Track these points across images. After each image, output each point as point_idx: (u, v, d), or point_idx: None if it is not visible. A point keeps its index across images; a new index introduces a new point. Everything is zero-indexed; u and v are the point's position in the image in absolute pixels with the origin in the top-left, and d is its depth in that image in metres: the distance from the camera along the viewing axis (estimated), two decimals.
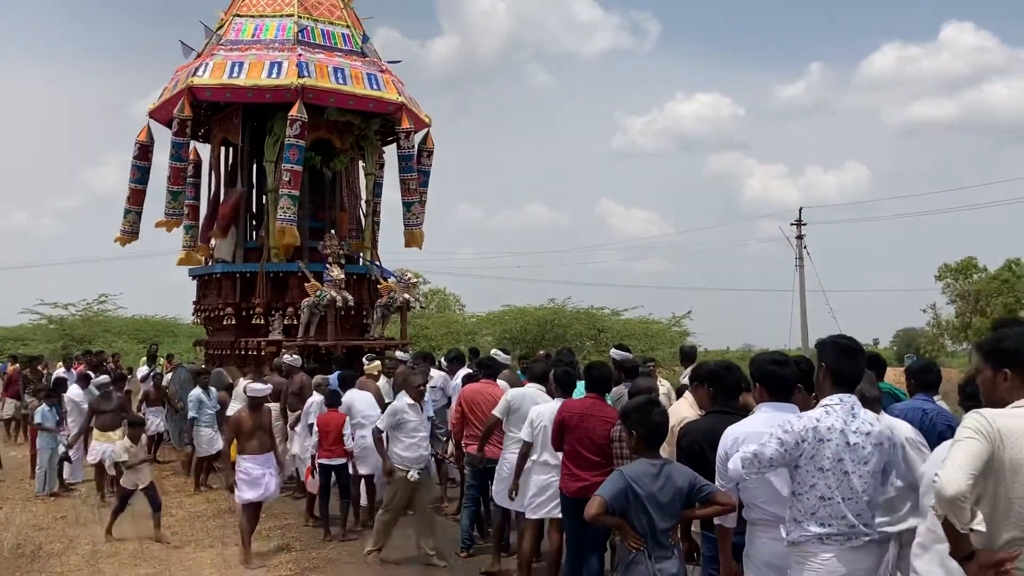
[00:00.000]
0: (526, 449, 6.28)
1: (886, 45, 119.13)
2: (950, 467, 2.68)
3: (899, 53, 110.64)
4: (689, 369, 7.92)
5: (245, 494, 7.65)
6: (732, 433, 3.96)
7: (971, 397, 3.74)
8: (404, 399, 7.24)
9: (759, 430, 3.74)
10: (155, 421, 12.67)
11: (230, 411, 11.31)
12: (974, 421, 2.76)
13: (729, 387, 4.51)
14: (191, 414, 10.95)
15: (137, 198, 15.41)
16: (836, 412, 3.50)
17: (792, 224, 34.38)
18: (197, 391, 11.20)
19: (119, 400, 10.65)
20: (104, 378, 11.04)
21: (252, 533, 7.73)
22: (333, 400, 8.62)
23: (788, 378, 3.96)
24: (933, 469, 3.56)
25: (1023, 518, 2.70)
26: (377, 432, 7.28)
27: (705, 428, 4.45)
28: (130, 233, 15.47)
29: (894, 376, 11.49)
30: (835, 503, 3.45)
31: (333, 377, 9.81)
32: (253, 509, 7.77)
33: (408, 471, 7.15)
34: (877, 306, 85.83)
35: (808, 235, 34.17)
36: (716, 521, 4.02)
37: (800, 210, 34.53)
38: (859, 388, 3.75)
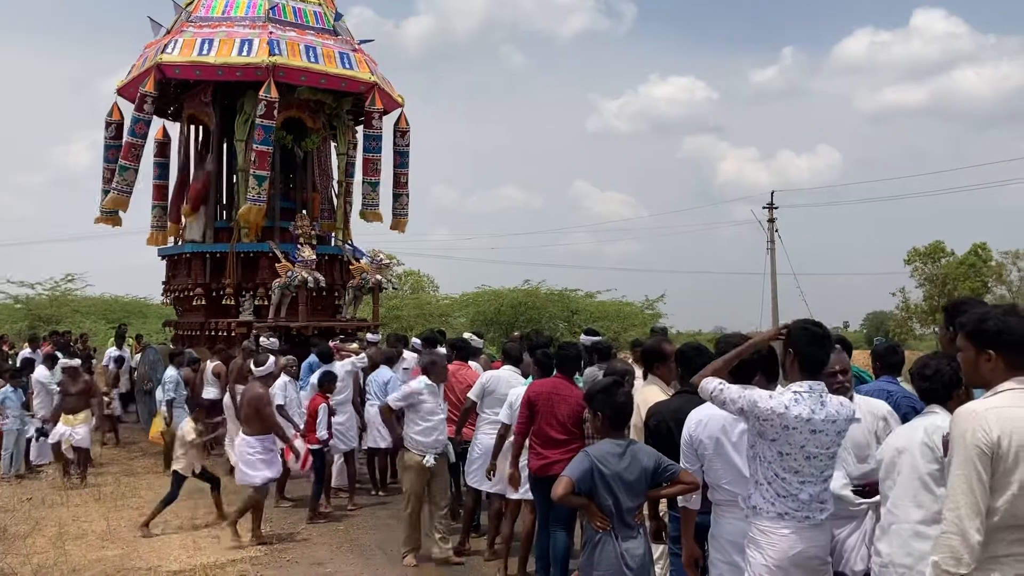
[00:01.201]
0: (504, 431, 6.28)
1: (858, 30, 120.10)
2: (956, 517, 2.61)
3: (871, 39, 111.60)
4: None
5: (266, 472, 7.62)
6: (696, 415, 4.01)
7: (928, 390, 3.72)
8: (424, 380, 6.88)
9: (722, 412, 3.77)
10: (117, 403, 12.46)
11: (206, 394, 11.22)
12: (973, 437, 2.65)
13: (698, 368, 4.51)
14: (169, 394, 10.83)
15: (112, 178, 15.13)
16: (804, 401, 3.51)
17: (764, 207, 34.66)
18: (174, 372, 11.10)
19: (85, 383, 10.50)
20: (75, 361, 10.89)
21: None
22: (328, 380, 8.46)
23: (752, 362, 3.98)
24: (888, 453, 3.62)
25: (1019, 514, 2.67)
26: (388, 410, 7.03)
27: (673, 408, 4.48)
28: (110, 214, 15.13)
29: (862, 358, 11.69)
30: (794, 485, 3.50)
31: (309, 361, 9.77)
32: (266, 489, 7.72)
33: (424, 456, 6.74)
34: (848, 289, 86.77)
35: (780, 218, 34.50)
36: (680, 502, 4.06)
37: (772, 194, 34.82)
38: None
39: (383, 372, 9.19)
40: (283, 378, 9.16)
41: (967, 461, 2.63)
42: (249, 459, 7.55)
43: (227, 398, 9.97)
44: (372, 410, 9.09)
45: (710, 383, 3.68)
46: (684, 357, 4.62)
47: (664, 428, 4.41)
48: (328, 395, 8.37)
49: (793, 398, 3.52)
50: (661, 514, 4.57)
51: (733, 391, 3.59)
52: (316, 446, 8.28)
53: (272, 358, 8.06)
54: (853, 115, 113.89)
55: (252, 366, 7.89)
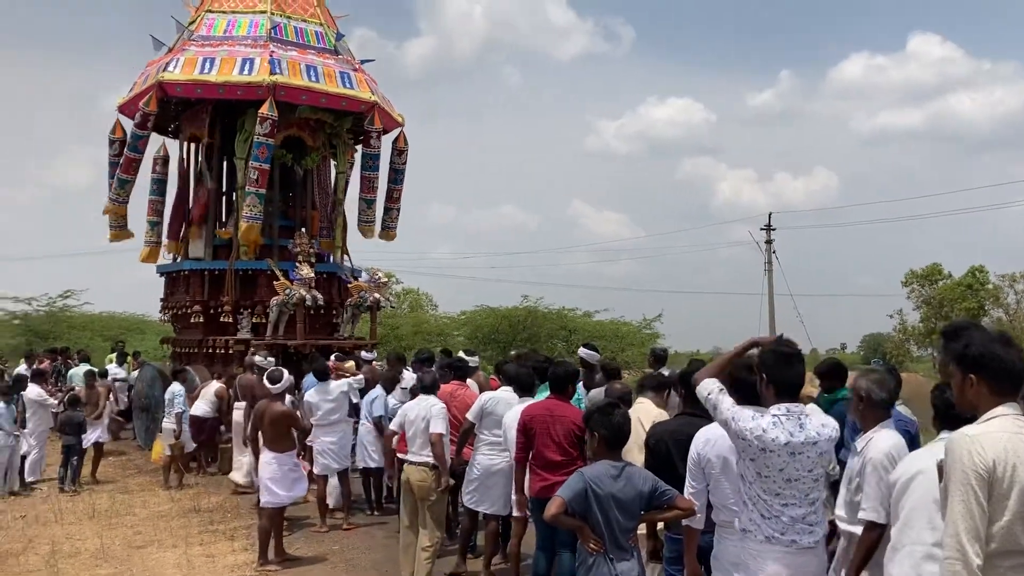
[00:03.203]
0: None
1: (855, 55, 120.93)
2: (956, 543, 2.58)
3: (867, 62, 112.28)
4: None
5: (298, 489, 7.62)
6: (704, 434, 3.99)
7: (949, 415, 3.68)
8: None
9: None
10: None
11: (195, 411, 11.23)
12: (969, 461, 2.64)
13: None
14: (178, 409, 10.88)
15: None
16: (783, 424, 3.50)
17: (762, 229, 34.76)
18: (180, 387, 11.17)
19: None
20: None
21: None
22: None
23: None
24: (903, 475, 3.59)
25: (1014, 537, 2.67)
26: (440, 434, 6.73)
27: (672, 429, 4.49)
28: (120, 228, 15.42)
29: None
30: (775, 507, 3.49)
31: (308, 378, 9.75)
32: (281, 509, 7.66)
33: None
34: (845, 311, 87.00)
35: (777, 240, 34.59)
36: (684, 522, 4.04)
37: (770, 215, 34.95)
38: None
39: (375, 391, 9.18)
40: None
41: (964, 485, 2.63)
42: (281, 478, 7.46)
43: (237, 416, 9.94)
44: (362, 430, 9.07)
45: (708, 384, 3.69)
46: (686, 379, 4.63)
47: (663, 448, 4.42)
48: None
49: (772, 421, 3.52)
50: (658, 531, 4.56)
51: (726, 401, 3.60)
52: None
53: (288, 374, 8.03)
54: (849, 138, 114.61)
55: (268, 383, 7.75)
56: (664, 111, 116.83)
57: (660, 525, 4.50)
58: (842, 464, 4.58)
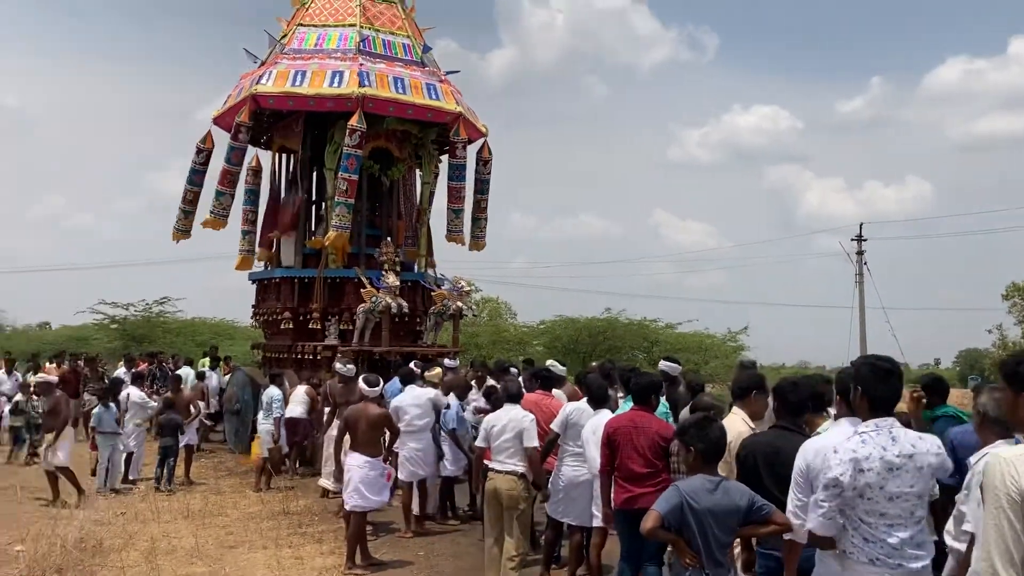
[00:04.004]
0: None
1: (952, 59, 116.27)
2: (989, 567, 2.52)
3: (965, 66, 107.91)
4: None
5: (386, 494, 7.76)
6: (813, 445, 3.84)
7: None
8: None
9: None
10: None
11: (288, 413, 11.50)
12: (1002, 483, 2.57)
13: (793, 404, 4.47)
14: (276, 413, 11.26)
15: (195, 199, 15.79)
16: (872, 440, 3.40)
17: (852, 239, 33.79)
18: (278, 391, 11.52)
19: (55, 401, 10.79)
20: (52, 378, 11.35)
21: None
22: None
23: (801, 401, 4.13)
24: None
25: None
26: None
27: (764, 442, 4.41)
28: (183, 231, 15.84)
29: (958, 398, 11.20)
30: (881, 529, 3.36)
31: (392, 385, 9.89)
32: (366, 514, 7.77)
33: None
34: (939, 325, 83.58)
35: (868, 251, 33.54)
36: (787, 536, 3.92)
37: (861, 225, 33.95)
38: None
39: (449, 400, 9.26)
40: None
41: (997, 508, 2.58)
42: (371, 482, 7.56)
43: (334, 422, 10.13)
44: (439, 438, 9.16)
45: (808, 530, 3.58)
46: (780, 392, 4.54)
47: (751, 460, 4.35)
48: None
49: (860, 440, 3.41)
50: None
51: (815, 512, 3.46)
52: None
53: (380, 379, 8.16)
54: (945, 145, 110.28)
55: (364, 386, 7.87)
56: (749, 119, 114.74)
57: (753, 540, 4.40)
58: (944, 488, 4.37)
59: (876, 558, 3.36)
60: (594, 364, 11.86)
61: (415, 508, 9.00)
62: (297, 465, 12.12)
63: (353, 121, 13.60)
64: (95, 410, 11.13)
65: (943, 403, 6.23)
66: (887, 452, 3.37)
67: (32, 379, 13.76)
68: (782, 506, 3.89)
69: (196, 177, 15.67)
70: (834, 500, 3.41)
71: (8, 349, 23.13)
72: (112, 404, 11.11)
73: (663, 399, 7.06)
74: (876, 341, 33.28)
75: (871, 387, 3.49)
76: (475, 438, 7.60)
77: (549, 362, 9.25)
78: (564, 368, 9.43)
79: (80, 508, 9.72)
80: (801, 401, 4.50)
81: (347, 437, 7.90)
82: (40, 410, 11.48)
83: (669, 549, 4.14)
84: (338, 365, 10.57)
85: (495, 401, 8.20)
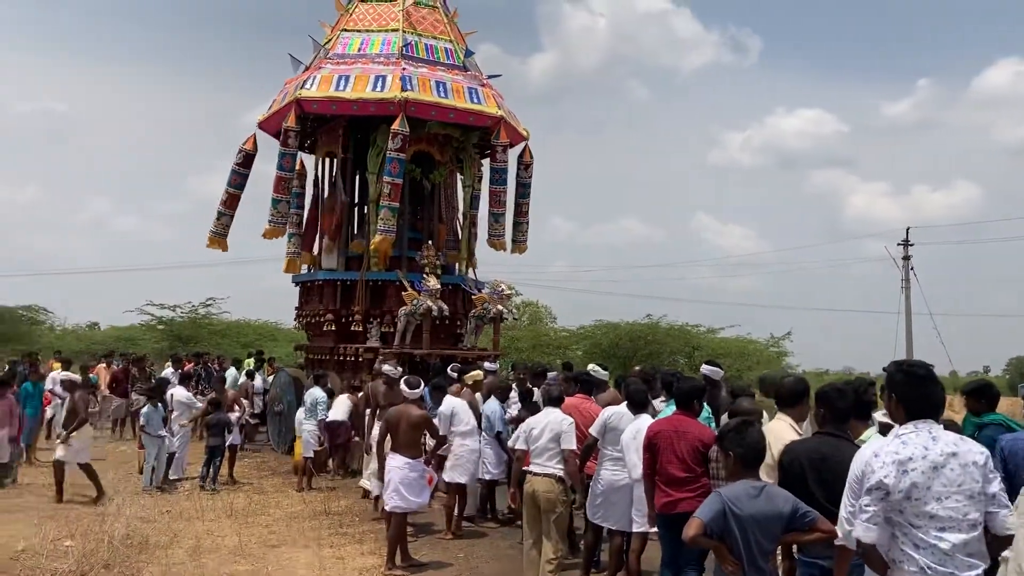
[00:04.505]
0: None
1: (1002, 60, 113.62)
2: (1017, 569, 2.51)
3: (1016, 68, 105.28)
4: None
5: (426, 495, 7.77)
6: (869, 450, 3.70)
7: None
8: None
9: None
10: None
11: (333, 415, 11.55)
12: None
13: (840, 410, 4.39)
14: (321, 415, 11.33)
15: (232, 202, 15.92)
16: (913, 441, 3.34)
17: (899, 244, 33.16)
18: (323, 393, 11.58)
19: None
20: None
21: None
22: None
23: (846, 408, 4.15)
24: None
25: None
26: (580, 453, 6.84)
27: (809, 448, 4.34)
28: (219, 235, 15.89)
29: (1008, 407, 10.92)
30: (931, 533, 3.27)
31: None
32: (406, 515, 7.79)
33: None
34: (988, 332, 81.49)
35: (914, 255, 32.90)
36: (838, 542, 3.84)
37: (907, 230, 33.27)
38: None
39: (491, 403, 9.27)
40: None
41: None
42: (412, 483, 7.57)
43: (377, 424, 10.18)
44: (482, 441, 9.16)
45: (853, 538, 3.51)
46: (826, 399, 4.47)
47: (796, 467, 4.29)
48: None
49: (900, 442, 3.37)
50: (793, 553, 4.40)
51: (860, 517, 3.40)
52: None
53: (421, 381, 8.19)
54: (994, 149, 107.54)
55: (405, 388, 7.88)
56: (793, 122, 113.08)
57: (793, 548, 4.34)
58: None
59: (927, 566, 3.26)
60: (637, 368, 11.78)
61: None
62: (338, 467, 12.22)
63: (396, 125, 13.71)
64: (144, 409, 11.32)
65: (992, 410, 6.09)
66: (930, 451, 3.31)
67: (59, 375, 13.96)
68: (827, 513, 3.83)
69: (235, 179, 15.82)
70: (879, 504, 3.35)
71: (59, 348, 23.69)
72: (159, 404, 11.30)
73: (705, 403, 7.01)
74: (923, 348, 32.65)
75: (905, 393, 3.44)
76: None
77: (591, 366, 9.21)
78: (606, 373, 9.38)
79: (99, 506, 9.83)
80: (848, 407, 4.43)
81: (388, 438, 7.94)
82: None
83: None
84: (385, 367, 10.62)
85: (532, 405, 8.24)
